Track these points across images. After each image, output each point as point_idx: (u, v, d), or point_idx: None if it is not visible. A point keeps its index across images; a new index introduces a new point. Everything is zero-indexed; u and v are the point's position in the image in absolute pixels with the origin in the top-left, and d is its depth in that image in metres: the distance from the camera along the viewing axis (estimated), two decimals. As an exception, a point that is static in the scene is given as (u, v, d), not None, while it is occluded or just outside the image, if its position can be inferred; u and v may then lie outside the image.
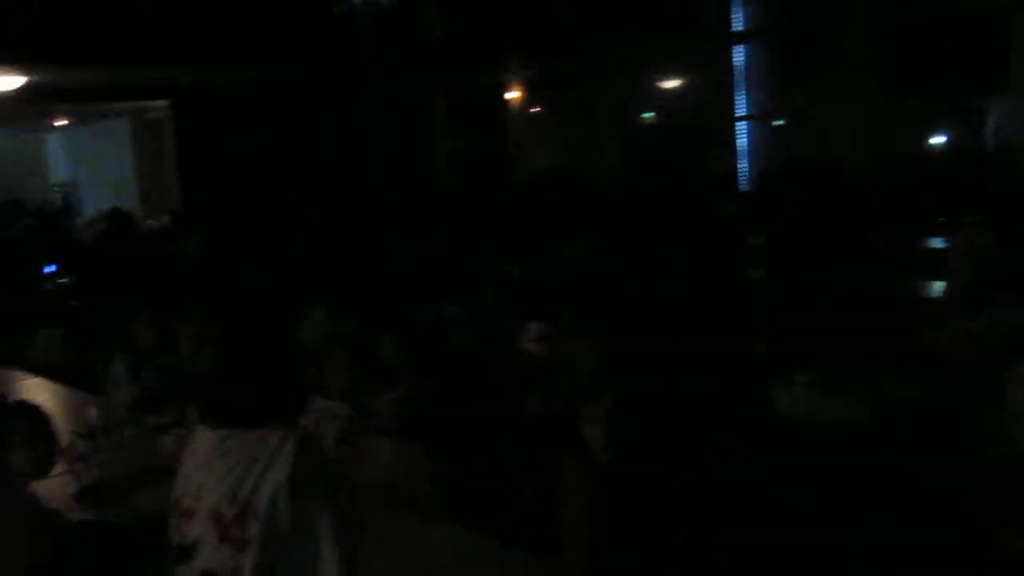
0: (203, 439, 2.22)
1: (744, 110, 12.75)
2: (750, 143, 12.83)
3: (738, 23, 12.62)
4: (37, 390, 5.29)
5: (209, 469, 2.15)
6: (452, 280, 6.84)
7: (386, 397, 3.83)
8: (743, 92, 12.78)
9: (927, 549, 2.78)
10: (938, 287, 6.43)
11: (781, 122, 12.90)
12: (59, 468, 3.86)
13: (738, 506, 2.73)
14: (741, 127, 12.76)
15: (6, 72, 11.33)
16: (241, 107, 13.76)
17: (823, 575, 2.76)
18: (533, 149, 14.96)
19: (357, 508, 2.17)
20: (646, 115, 14.27)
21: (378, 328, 4.84)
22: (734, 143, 12.69)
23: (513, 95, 14.65)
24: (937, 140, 11.47)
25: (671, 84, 13.51)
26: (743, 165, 12.69)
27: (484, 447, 3.40)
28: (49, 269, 10.39)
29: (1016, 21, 9.54)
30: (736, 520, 2.83)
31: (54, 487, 3.53)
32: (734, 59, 12.68)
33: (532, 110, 14.95)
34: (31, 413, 3.63)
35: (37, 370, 5.95)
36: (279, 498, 2.04)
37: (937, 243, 7.63)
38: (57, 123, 18.98)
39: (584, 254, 6.89)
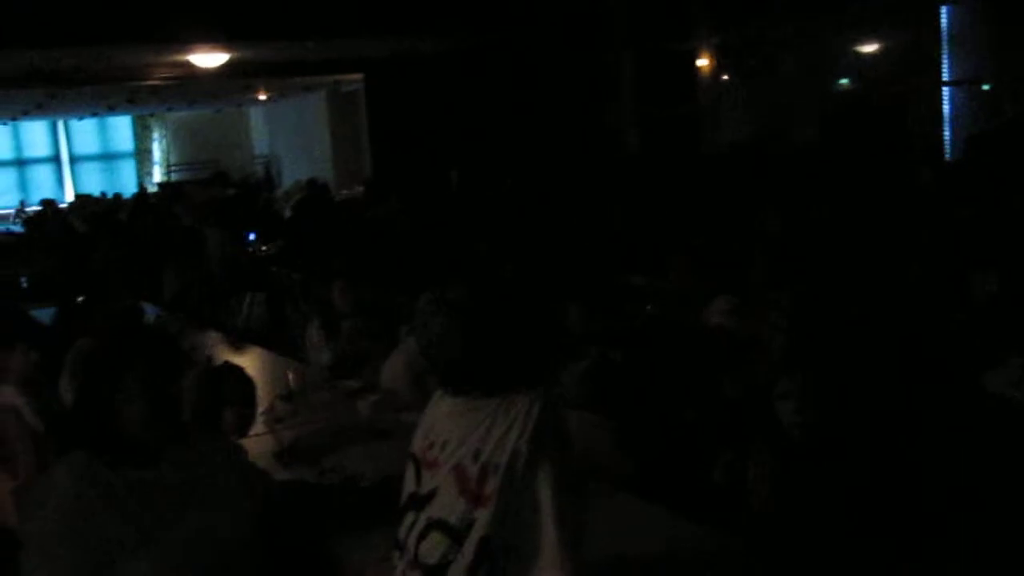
0: (447, 400, 2.28)
1: (949, 74, 12.09)
2: (953, 109, 12.17)
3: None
4: (241, 353, 5.55)
5: (454, 426, 2.24)
6: (639, 250, 6.77)
7: (573, 368, 3.82)
8: (947, 55, 12.12)
9: None
10: None
11: (988, 87, 12.16)
12: (259, 429, 4.04)
13: (942, 488, 2.59)
14: (944, 92, 12.11)
15: (212, 50, 11.90)
16: (431, 79, 14.00)
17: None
18: (722, 117, 14.63)
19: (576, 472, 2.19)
20: (843, 81, 13.72)
21: (565, 298, 4.84)
22: (940, 109, 12.05)
23: (703, 62, 14.34)
24: None
25: (871, 48, 12.93)
26: (947, 132, 12.06)
27: (673, 422, 3.34)
28: (251, 237, 10.90)
29: None
30: (937, 503, 2.69)
31: (254, 447, 3.67)
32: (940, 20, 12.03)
33: (723, 77, 14.61)
34: (236, 375, 3.82)
35: (241, 334, 6.26)
36: (519, 459, 2.11)
37: None
38: (259, 97, 19.84)
39: (777, 226, 6.69)
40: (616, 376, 3.66)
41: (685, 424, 3.42)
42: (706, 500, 2.83)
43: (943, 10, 11.97)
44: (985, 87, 12.14)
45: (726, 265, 5.79)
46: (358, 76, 15.64)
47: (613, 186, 11.15)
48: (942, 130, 12.02)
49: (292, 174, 20.60)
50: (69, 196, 21.27)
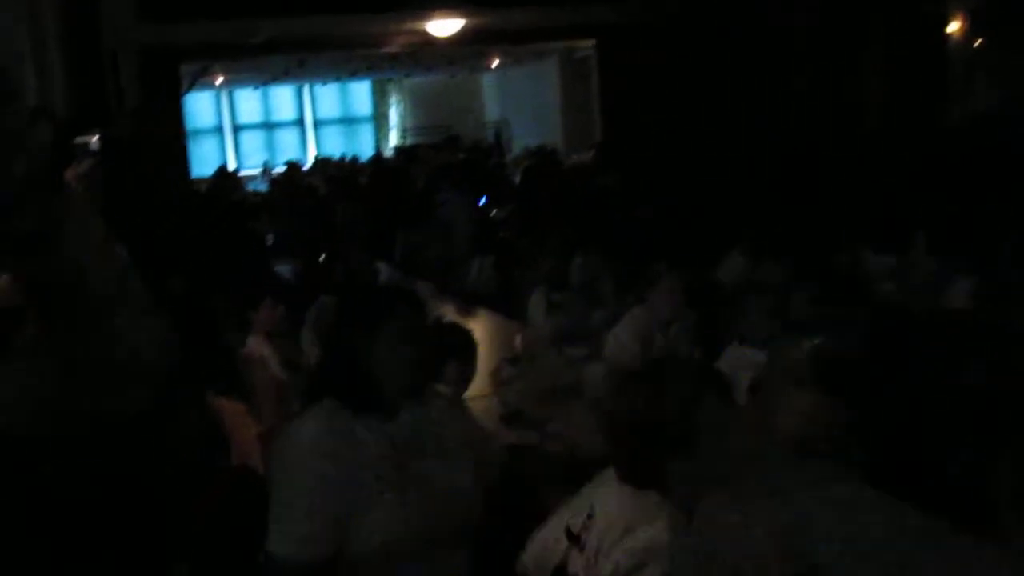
0: None
1: None
2: None
3: None
4: (469, 315, 5.68)
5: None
6: (878, 226, 6.46)
7: (804, 347, 3.69)
8: None
9: None
10: None
11: None
12: (486, 390, 4.13)
13: None
14: None
15: (448, 16, 12.18)
16: (664, 46, 13.81)
17: None
18: (974, 86, 13.71)
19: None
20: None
21: (796, 275, 4.68)
22: None
23: (954, 27, 13.48)
24: None
25: None
26: None
27: (912, 411, 3.17)
28: (481, 201, 11.12)
29: None
30: None
31: (480, 407, 3.75)
32: None
33: (975, 44, 13.67)
34: (461, 333, 3.91)
35: (470, 296, 6.41)
36: None
37: None
38: (491, 64, 20.18)
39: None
40: (849, 358, 3.50)
41: (923, 414, 3.24)
42: (943, 495, 2.67)
43: None
44: None
45: (972, 244, 5.44)
46: (590, 42, 15.62)
47: (853, 158, 10.67)
48: None
49: (522, 140, 20.88)
50: (311, 158, 22.38)
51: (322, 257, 6.87)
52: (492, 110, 24.15)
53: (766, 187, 9.07)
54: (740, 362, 3.88)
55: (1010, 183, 7.67)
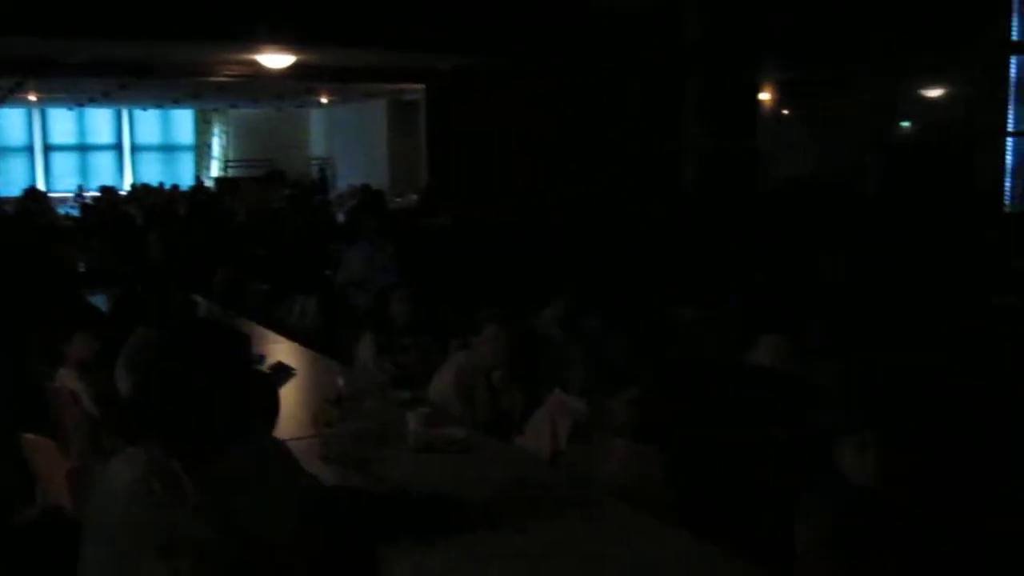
0: None
1: (1014, 125, 11.94)
2: (1016, 160, 12.02)
3: (1015, 33, 11.82)
4: (292, 354, 5.60)
5: None
6: (693, 282, 6.76)
7: (623, 397, 3.82)
8: (1013, 105, 11.98)
9: None
10: None
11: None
12: (308, 432, 4.08)
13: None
14: (1009, 143, 11.96)
15: (280, 51, 12.08)
16: (492, 94, 14.08)
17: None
18: (782, 153, 14.56)
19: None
20: (904, 124, 13.60)
21: (617, 326, 4.85)
22: (1003, 159, 11.91)
23: (765, 96, 14.31)
24: None
25: (935, 93, 12.81)
26: (1009, 183, 11.90)
27: (723, 461, 3.34)
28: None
29: None
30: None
31: (302, 449, 3.70)
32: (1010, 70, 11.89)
33: (783, 112, 14.55)
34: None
35: (293, 335, 6.32)
36: None
37: None
38: (321, 100, 20.07)
39: (837, 268, 6.65)
40: (664, 409, 3.65)
41: (731, 464, 3.41)
42: (754, 540, 2.82)
43: (1012, 60, 11.84)
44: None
45: (782, 305, 5.77)
46: (420, 86, 15.78)
47: (669, 217, 11.14)
48: (1003, 180, 11.87)
49: (347, 178, 20.80)
50: (127, 184, 21.62)
51: (138, 288, 6.64)
52: (318, 146, 23.96)
53: (589, 240, 9.35)
54: (561, 410, 3.98)
55: (815, 246, 8.17)
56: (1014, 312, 6.48)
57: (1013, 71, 11.91)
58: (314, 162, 23.58)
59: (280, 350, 5.66)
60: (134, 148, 23.23)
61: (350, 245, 8.65)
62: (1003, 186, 11.74)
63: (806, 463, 2.97)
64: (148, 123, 23.28)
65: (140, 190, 19.41)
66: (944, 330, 5.14)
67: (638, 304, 5.45)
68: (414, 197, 15.98)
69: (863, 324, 5.26)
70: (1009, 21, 11.75)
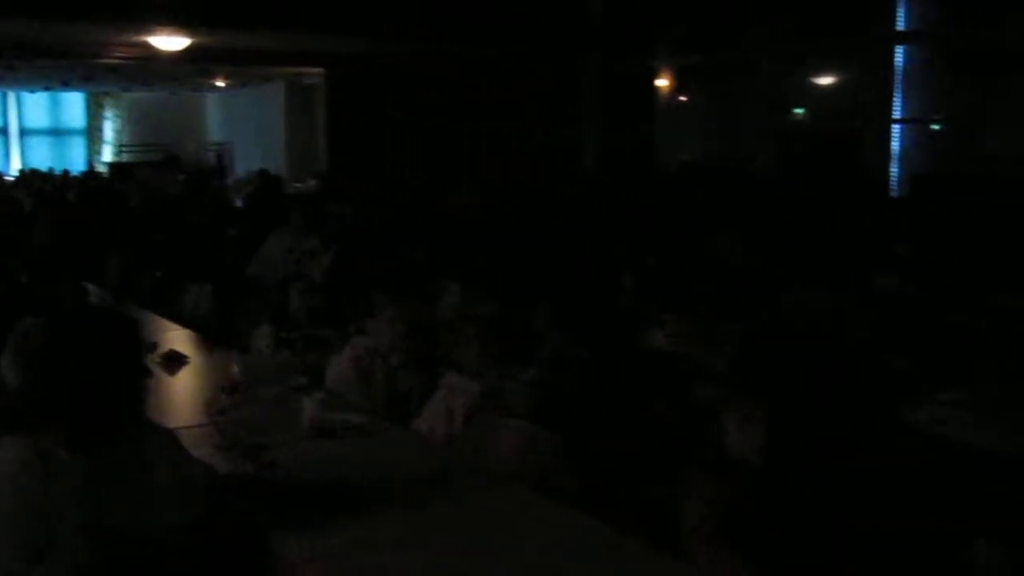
0: None
1: (900, 112, 12.37)
2: (903, 147, 12.44)
3: (901, 23, 12.23)
4: (185, 342, 5.52)
5: None
6: (588, 268, 6.84)
7: (519, 379, 3.87)
8: (900, 94, 12.40)
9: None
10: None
11: (938, 127, 12.47)
12: (201, 420, 4.04)
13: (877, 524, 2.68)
14: (895, 130, 12.38)
15: (173, 33, 11.82)
16: (393, 79, 14.01)
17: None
18: (679, 138, 14.82)
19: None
20: (797, 111, 13.96)
21: (513, 309, 4.89)
22: (888, 145, 12.32)
23: (663, 82, 14.53)
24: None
25: (827, 81, 13.18)
26: (895, 169, 12.33)
27: (618, 441, 3.41)
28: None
29: None
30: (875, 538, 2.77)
31: (194, 438, 3.67)
32: (895, 60, 12.31)
33: (680, 99, 14.80)
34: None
35: (187, 322, 6.22)
36: None
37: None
38: (217, 84, 19.68)
39: (727, 251, 6.81)
40: (561, 391, 3.71)
41: (625, 444, 3.49)
42: (650, 518, 2.90)
43: (898, 49, 12.24)
44: (935, 127, 12.45)
45: (677, 286, 5.88)
46: (319, 70, 15.61)
47: (568, 200, 11.24)
48: (889, 166, 12.29)
49: (244, 164, 20.47)
50: (15, 169, 20.93)
51: (24, 275, 6.45)
52: (215, 131, 23.51)
53: (487, 223, 9.39)
54: (457, 393, 4.01)
55: (708, 228, 8.33)
56: (895, 294, 6.74)
57: (900, 61, 12.32)
58: (211, 147, 23.14)
59: (174, 338, 5.58)
60: (22, 132, 22.49)
61: (271, 235, 8.46)
62: (889, 172, 12.16)
63: (694, 440, 3.06)
64: (37, 106, 22.55)
65: (28, 175, 18.81)
66: (828, 310, 5.31)
67: (535, 287, 5.50)
68: (313, 183, 15.80)
69: (749, 304, 5.41)
70: (895, 13, 12.15)
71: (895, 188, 12.04)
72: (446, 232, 8.68)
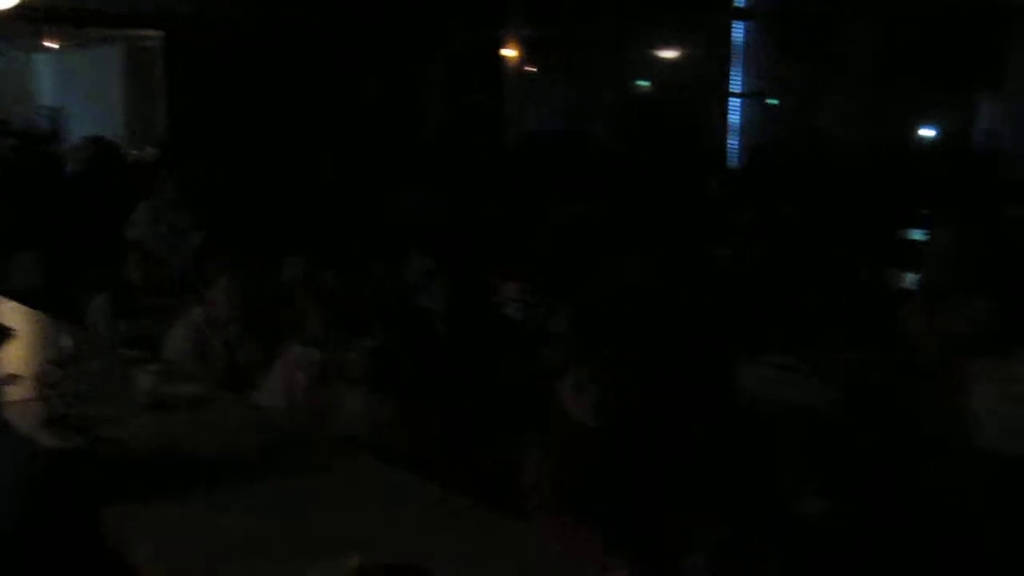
0: None
1: (739, 87, 12.76)
2: (742, 120, 12.85)
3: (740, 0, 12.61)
4: (11, 313, 5.28)
5: None
6: (435, 235, 6.85)
7: (359, 346, 3.87)
8: (739, 68, 12.79)
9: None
10: (915, 279, 6.48)
11: (775, 101, 12.94)
12: (28, 394, 3.88)
13: (703, 484, 2.79)
14: (734, 103, 12.77)
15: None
16: (237, 45, 13.65)
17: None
18: (526, 109, 14.94)
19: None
20: (642, 83, 14.24)
21: (353, 278, 4.87)
22: (727, 118, 12.72)
23: (510, 53, 14.59)
24: (928, 132, 11.54)
25: (669, 55, 13.48)
26: (734, 142, 12.73)
27: (459, 406, 3.44)
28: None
29: (1015, 15, 9.54)
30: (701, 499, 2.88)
31: (21, 413, 3.53)
32: (734, 35, 12.68)
33: (527, 69, 14.90)
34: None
35: (13, 293, 5.95)
36: None
37: (919, 235, 7.67)
38: (49, 45, 18.75)
39: (569, 219, 6.92)
40: (402, 358, 3.72)
41: (466, 408, 3.53)
42: (487, 482, 2.94)
43: (736, 25, 12.61)
44: (771, 101, 12.92)
45: (519, 253, 5.96)
46: (158, 33, 15.05)
47: (412, 169, 11.19)
48: (726, 139, 12.69)
49: (80, 129, 19.59)
50: None
51: None
52: (48, 95, 22.41)
53: (329, 192, 9.28)
54: (297, 362, 3.98)
55: (552, 198, 8.45)
56: (731, 261, 6.99)
57: (740, 36, 12.70)
58: (43, 111, 22.05)
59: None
60: None
61: (141, 203, 8.04)
62: (726, 144, 12.57)
63: (532, 402, 3.11)
64: None
65: None
66: (665, 276, 5.47)
67: (374, 257, 5.48)
68: (152, 150, 15.27)
69: (588, 269, 5.53)
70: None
71: (733, 160, 12.44)
72: (292, 199, 8.54)
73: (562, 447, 2.85)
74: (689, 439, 3.02)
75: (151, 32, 15.38)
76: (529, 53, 14.63)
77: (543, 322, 4.41)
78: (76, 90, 20.88)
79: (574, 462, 2.81)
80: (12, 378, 3.97)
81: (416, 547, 2.52)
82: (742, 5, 12.65)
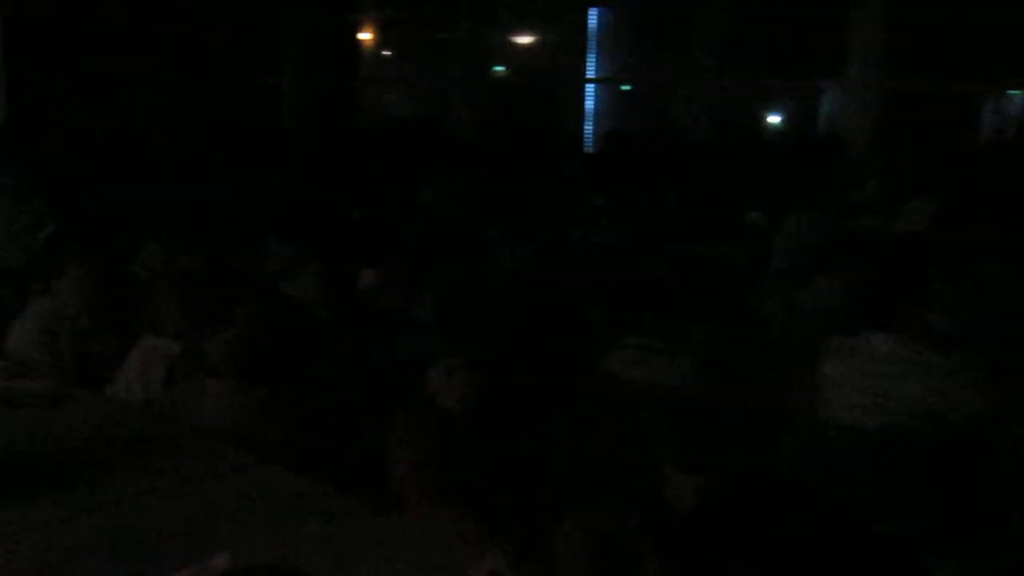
0: None
1: (594, 72, 12.93)
2: (597, 106, 13.03)
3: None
4: None
5: None
6: (292, 222, 6.72)
7: (220, 336, 3.75)
8: (594, 54, 12.96)
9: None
10: (767, 260, 6.71)
11: (628, 87, 13.18)
12: None
13: (573, 466, 2.82)
14: (589, 89, 12.94)
15: None
16: (80, 22, 13.06)
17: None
18: (382, 93, 14.82)
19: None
20: (500, 68, 14.27)
21: (211, 266, 4.74)
22: (583, 104, 12.87)
23: (365, 36, 14.43)
24: (773, 119, 11.95)
25: (527, 40, 13.54)
26: (589, 127, 12.90)
27: (323, 395, 3.39)
28: None
29: (855, 5, 9.92)
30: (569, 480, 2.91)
31: None
32: (589, 21, 12.84)
33: (383, 53, 14.76)
34: None
35: None
36: None
37: (767, 219, 7.92)
38: None
39: (427, 205, 6.90)
40: (265, 347, 3.63)
41: (330, 397, 3.48)
42: (356, 473, 2.90)
43: (591, 11, 12.77)
44: (625, 87, 13.15)
45: (381, 238, 5.90)
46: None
47: (267, 153, 10.94)
48: (583, 125, 12.84)
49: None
50: None
51: None
52: None
53: (183, 176, 8.99)
54: (153, 354, 3.85)
55: (413, 183, 8.40)
56: (591, 244, 7.10)
57: (593, 22, 12.86)
58: None
59: None
60: None
61: None
62: (583, 129, 12.73)
63: (400, 390, 3.09)
64: None
65: None
66: (528, 260, 5.52)
67: (233, 243, 5.35)
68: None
69: (455, 255, 5.52)
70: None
71: (589, 145, 12.59)
72: (141, 184, 8.24)
73: (431, 435, 2.83)
74: (556, 421, 3.06)
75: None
76: (384, 37, 14.50)
77: (408, 309, 4.37)
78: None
79: (444, 450, 2.80)
80: None
81: (286, 544, 2.46)
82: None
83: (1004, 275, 4.96)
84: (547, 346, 3.61)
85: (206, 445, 3.19)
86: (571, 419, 3.05)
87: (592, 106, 13.02)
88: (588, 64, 12.87)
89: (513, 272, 5.49)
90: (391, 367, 3.51)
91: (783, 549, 2.55)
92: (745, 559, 2.63)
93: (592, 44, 12.95)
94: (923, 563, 2.83)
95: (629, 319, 4.87)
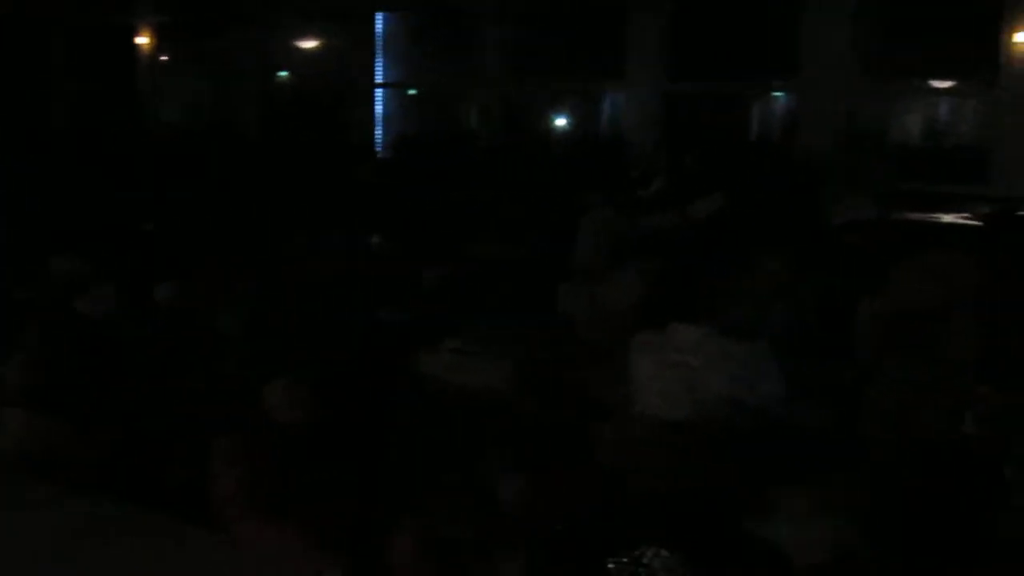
0: None
1: (382, 77, 12.87)
2: (386, 111, 12.97)
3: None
4: None
5: None
6: (76, 236, 6.35)
7: (13, 362, 3.51)
8: (381, 59, 12.89)
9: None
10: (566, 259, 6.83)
11: (415, 92, 13.18)
12: None
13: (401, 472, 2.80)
14: (379, 94, 12.87)
15: None
16: None
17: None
18: (163, 99, 14.26)
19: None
20: (282, 74, 13.97)
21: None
22: (372, 109, 12.79)
23: (143, 40, 13.84)
24: (560, 122, 12.24)
25: (312, 44, 13.31)
26: (380, 131, 12.83)
27: (136, 418, 3.22)
28: None
29: (635, 10, 10.27)
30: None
31: None
32: (376, 26, 12.76)
33: (162, 58, 14.21)
34: None
35: None
36: None
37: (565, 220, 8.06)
38: None
39: (226, 211, 6.68)
40: (65, 372, 3.42)
41: (142, 421, 3.31)
42: (179, 493, 2.78)
43: (378, 16, 12.69)
44: (411, 92, 13.15)
45: (173, 249, 5.67)
46: None
47: (35, 163, 10.27)
48: (373, 129, 12.76)
49: None
50: None
51: None
52: None
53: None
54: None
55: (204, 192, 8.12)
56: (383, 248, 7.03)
57: (379, 26, 12.77)
58: None
59: None
60: None
61: None
62: (374, 135, 12.65)
63: (228, 408, 2.99)
64: None
65: None
66: (319, 269, 5.43)
67: (16, 263, 5.01)
68: None
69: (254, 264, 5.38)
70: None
71: (380, 150, 12.51)
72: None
73: (263, 452, 2.75)
74: (384, 429, 3.03)
75: None
76: (163, 41, 13.95)
77: (212, 320, 4.21)
78: None
79: (276, 466, 2.72)
80: None
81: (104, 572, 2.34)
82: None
83: (786, 267, 5.24)
84: (364, 354, 3.58)
85: (11, 478, 2.98)
86: (398, 425, 3.03)
87: (380, 110, 12.96)
88: (376, 69, 12.80)
89: (315, 278, 5.37)
90: (206, 384, 3.37)
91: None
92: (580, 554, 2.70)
93: (379, 49, 12.87)
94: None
95: (438, 323, 4.88)
